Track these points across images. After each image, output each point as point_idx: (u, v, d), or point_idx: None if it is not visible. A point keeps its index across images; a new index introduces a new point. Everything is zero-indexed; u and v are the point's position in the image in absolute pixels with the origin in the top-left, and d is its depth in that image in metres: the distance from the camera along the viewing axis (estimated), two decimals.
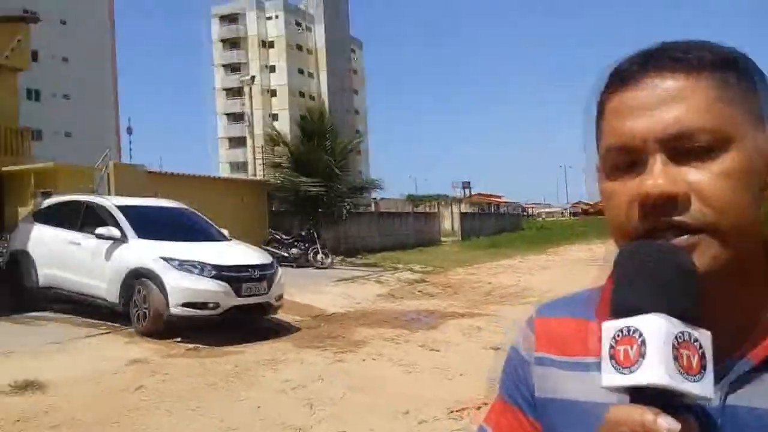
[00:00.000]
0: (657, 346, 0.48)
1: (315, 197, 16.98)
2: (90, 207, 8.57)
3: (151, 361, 6.39)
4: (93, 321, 8.01)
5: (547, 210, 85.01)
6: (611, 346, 0.51)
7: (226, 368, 6.12)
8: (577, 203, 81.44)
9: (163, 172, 16.10)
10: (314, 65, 73.19)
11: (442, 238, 30.74)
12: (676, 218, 0.57)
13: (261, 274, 7.82)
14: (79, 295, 8.20)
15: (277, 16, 69.72)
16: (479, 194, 63.06)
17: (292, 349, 7.05)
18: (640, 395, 0.49)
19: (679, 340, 0.49)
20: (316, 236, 16.20)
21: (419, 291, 12.48)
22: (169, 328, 7.30)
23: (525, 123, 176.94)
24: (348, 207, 18.80)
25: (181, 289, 7.20)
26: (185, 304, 7.21)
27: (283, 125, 48.81)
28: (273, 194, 18.35)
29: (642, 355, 0.49)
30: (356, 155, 21.03)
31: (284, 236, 16.37)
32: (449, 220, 36.67)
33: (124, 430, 4.35)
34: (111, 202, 8.55)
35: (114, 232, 7.81)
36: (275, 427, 4.45)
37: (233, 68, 69.47)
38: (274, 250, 14.52)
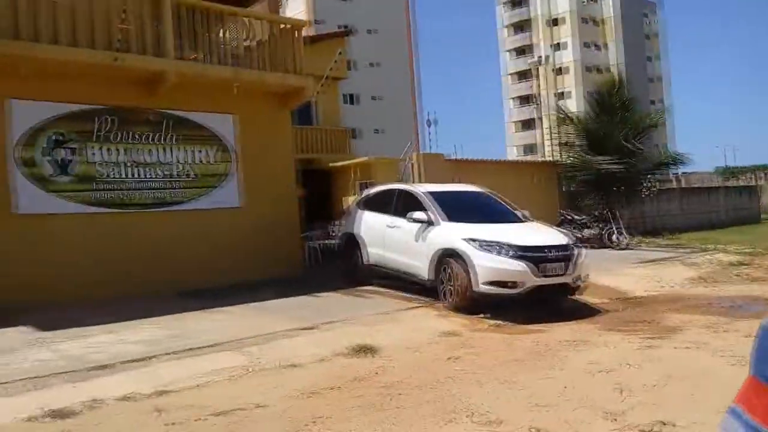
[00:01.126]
0: None
1: (611, 175, 16.12)
2: (402, 194, 9.52)
3: (460, 334, 6.90)
4: (408, 295, 8.89)
5: None
6: None
7: (531, 345, 6.28)
8: None
9: (460, 159, 17.06)
10: (604, 37, 68.94)
11: (764, 216, 26.40)
12: None
13: (562, 255, 7.83)
14: (398, 272, 9.21)
15: None
16: None
17: (596, 331, 6.90)
18: None
19: None
20: (617, 215, 15.42)
21: (737, 275, 10.98)
22: (474, 305, 7.78)
23: None
24: (649, 184, 17.44)
25: (486, 268, 7.59)
26: (490, 283, 7.59)
27: (574, 104, 47.26)
28: (565, 174, 17.97)
29: None
30: (654, 128, 19.22)
31: (577, 216, 15.94)
32: None
33: (440, 395, 4.69)
34: (421, 189, 9.40)
35: (424, 216, 8.59)
36: (584, 409, 4.40)
37: (520, 51, 69.47)
38: (570, 230, 14.25)
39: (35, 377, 5.13)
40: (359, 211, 10.25)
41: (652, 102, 66.98)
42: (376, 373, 5.37)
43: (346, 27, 22.58)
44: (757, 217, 25.91)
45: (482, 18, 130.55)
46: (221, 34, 10.63)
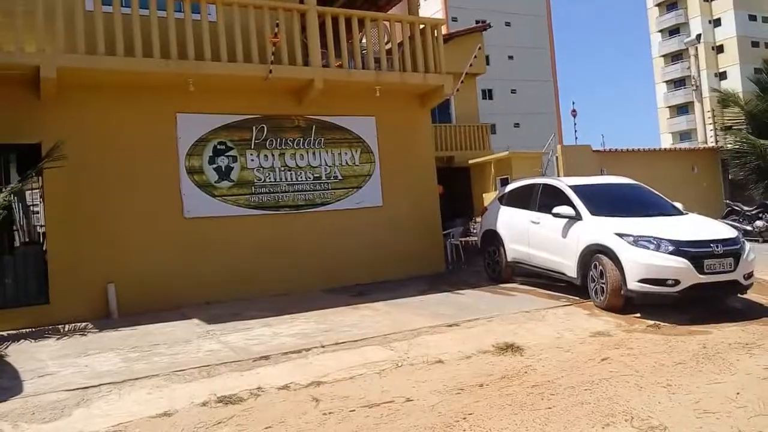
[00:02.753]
0: None
1: None
2: (545, 188, 9.23)
3: (613, 334, 6.57)
4: (554, 293, 8.64)
5: None
6: None
7: (694, 348, 5.83)
8: None
9: (606, 149, 16.21)
10: None
11: None
12: None
13: (725, 250, 7.17)
14: (541, 269, 8.96)
15: None
16: None
17: None
18: None
19: None
20: None
21: None
22: (627, 304, 7.38)
23: None
24: None
25: (638, 264, 7.16)
26: (643, 280, 7.14)
27: (735, 83, 42.90)
28: (729, 161, 16.40)
29: None
30: None
31: (745, 207, 14.47)
32: None
33: (595, 397, 4.52)
34: (563, 183, 9.06)
35: (569, 210, 8.27)
36: (760, 418, 4.03)
37: (671, 31, 64.41)
38: (733, 223, 13.02)
39: (207, 365, 5.67)
40: (500, 207, 10.10)
41: None
42: (525, 372, 5.28)
43: (483, 22, 22.30)
44: None
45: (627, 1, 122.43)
46: (363, 40, 11.00)
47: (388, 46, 11.25)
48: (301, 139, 10.31)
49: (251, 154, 9.90)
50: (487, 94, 44.88)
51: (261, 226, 9.81)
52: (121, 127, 8.87)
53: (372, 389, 4.97)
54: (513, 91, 46.83)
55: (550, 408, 4.35)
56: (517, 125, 44.81)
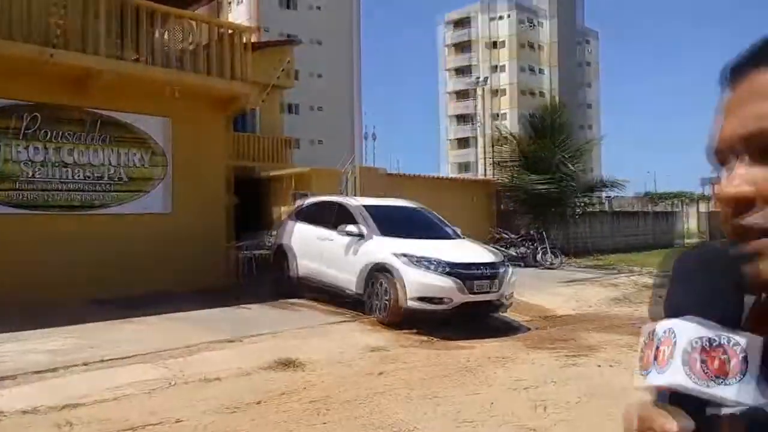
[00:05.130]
0: (682, 349, 0.48)
1: (545, 195, 16.60)
2: (340, 206, 9.46)
3: (390, 349, 6.88)
4: (339, 309, 8.80)
5: None
6: (656, 347, 0.51)
7: (459, 362, 6.33)
8: None
9: (399, 173, 17.16)
10: (543, 61, 71.38)
11: (686, 240, 27.82)
12: (755, 220, 0.53)
13: (491, 272, 7.96)
14: (330, 286, 9.12)
15: (509, 15, 69.46)
16: None
17: (523, 348, 7.04)
18: (678, 396, 0.49)
19: (713, 344, 0.48)
20: (544, 235, 15.86)
21: (659, 296, 11.49)
22: (404, 320, 7.80)
23: None
24: (581, 206, 18.04)
25: (417, 283, 7.63)
26: (420, 298, 7.62)
27: (509, 125, 48.57)
28: (501, 193, 18.38)
29: (672, 357, 0.48)
30: (591, 152, 19.91)
31: (511, 235, 16.30)
32: (695, 220, 32.96)
33: (369, 411, 4.67)
34: (355, 202, 9.38)
35: (359, 229, 8.57)
36: (508, 426, 4.48)
37: (460, 71, 71.01)
38: (500, 248, 14.57)
39: None
40: (292, 222, 10.13)
41: (589, 127, 69.74)
42: (305, 388, 5.29)
43: (291, 36, 22.41)
44: (679, 240, 27.21)
45: (424, 37, 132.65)
46: (165, 36, 10.31)
47: (192, 47, 10.71)
48: (83, 134, 9.32)
49: (19, 146, 8.69)
50: (294, 109, 45.11)
51: (23, 225, 8.63)
52: None
53: (138, 411, 4.58)
54: (319, 109, 47.66)
55: (325, 423, 4.39)
56: (320, 142, 45.57)
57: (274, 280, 10.32)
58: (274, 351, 6.38)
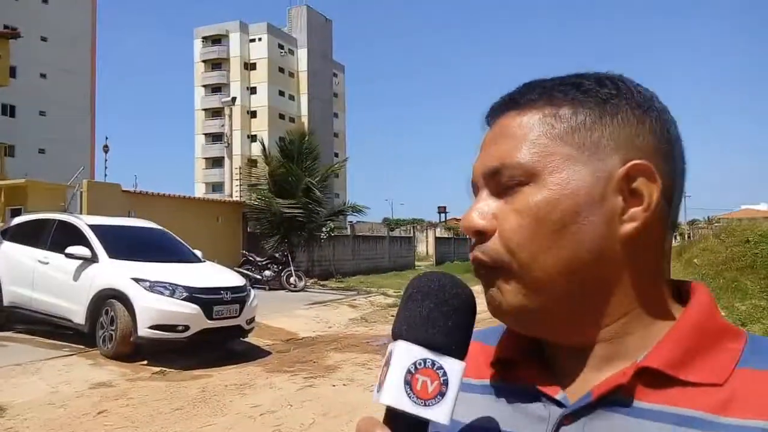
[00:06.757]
0: (395, 369, 0.52)
1: (292, 219, 16.89)
2: (61, 225, 8.40)
3: (115, 384, 6.25)
4: (57, 342, 7.82)
5: None
6: (383, 366, 0.54)
7: (194, 392, 6.01)
8: None
9: (138, 191, 15.92)
10: (296, 88, 73.41)
11: (417, 263, 30.74)
12: (477, 253, 0.59)
13: (233, 297, 7.73)
14: (45, 316, 8.00)
15: (260, 39, 69.94)
16: (455, 219, 63.30)
17: (262, 373, 6.96)
18: (394, 415, 0.52)
19: (418, 367, 0.52)
20: (290, 258, 16.09)
21: (392, 315, 12.42)
22: (136, 351, 7.17)
23: None
24: (327, 230, 18.73)
25: (151, 310, 7.07)
26: (154, 327, 7.06)
27: (269, 146, 48.73)
28: (249, 215, 18.23)
29: (388, 377, 0.52)
30: (335, 178, 20.90)
31: (258, 258, 16.22)
32: (424, 245, 36.66)
33: None
34: (82, 220, 8.40)
35: (84, 251, 7.66)
36: None
37: (215, 89, 69.43)
38: (247, 272, 14.40)
39: None
40: (3, 242, 8.68)
41: (336, 155, 73.35)
42: None
43: (14, 29, 19.46)
44: (413, 263, 29.94)
45: (183, 49, 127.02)
46: None
47: None
48: None
49: None
50: (9, 111, 38.99)
51: None
52: None
53: None
54: (42, 113, 41.42)
55: None
56: (42, 151, 39.83)
57: None
58: None
